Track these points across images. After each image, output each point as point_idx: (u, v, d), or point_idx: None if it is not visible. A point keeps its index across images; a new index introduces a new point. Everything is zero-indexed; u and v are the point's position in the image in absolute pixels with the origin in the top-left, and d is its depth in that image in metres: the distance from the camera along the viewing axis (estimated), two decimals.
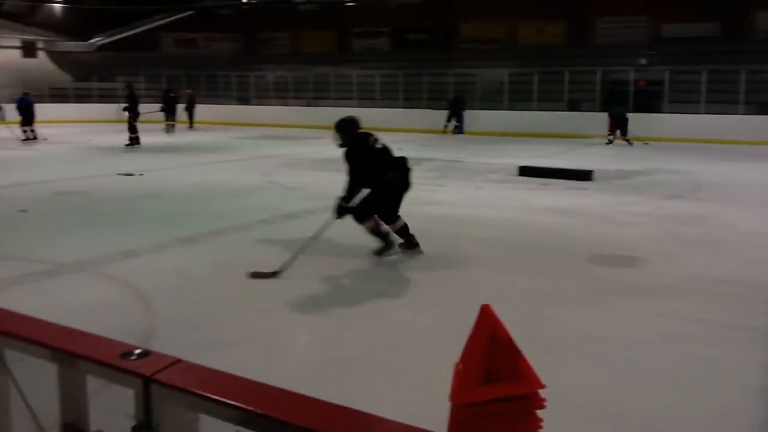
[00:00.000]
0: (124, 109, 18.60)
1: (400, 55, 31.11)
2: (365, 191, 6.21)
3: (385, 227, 6.36)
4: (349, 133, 6.31)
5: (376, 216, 6.29)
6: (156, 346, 1.46)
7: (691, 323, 4.69)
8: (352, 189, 6.11)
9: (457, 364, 0.92)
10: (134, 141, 18.21)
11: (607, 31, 28.08)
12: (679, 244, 7.04)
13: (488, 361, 0.88)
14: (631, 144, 19.34)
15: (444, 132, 23.59)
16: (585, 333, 4.50)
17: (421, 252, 6.41)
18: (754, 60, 21.58)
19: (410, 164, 6.42)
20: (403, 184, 6.31)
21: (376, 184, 6.20)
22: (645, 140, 19.68)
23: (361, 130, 6.40)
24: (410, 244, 6.43)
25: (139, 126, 18.22)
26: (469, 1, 29.78)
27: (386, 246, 6.33)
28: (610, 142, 19.81)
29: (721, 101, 21.16)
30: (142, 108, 18.81)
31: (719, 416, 3.40)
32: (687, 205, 9.47)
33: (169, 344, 3.58)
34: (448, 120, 23.67)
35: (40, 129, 19.23)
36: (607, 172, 12.67)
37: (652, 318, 4.79)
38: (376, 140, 6.31)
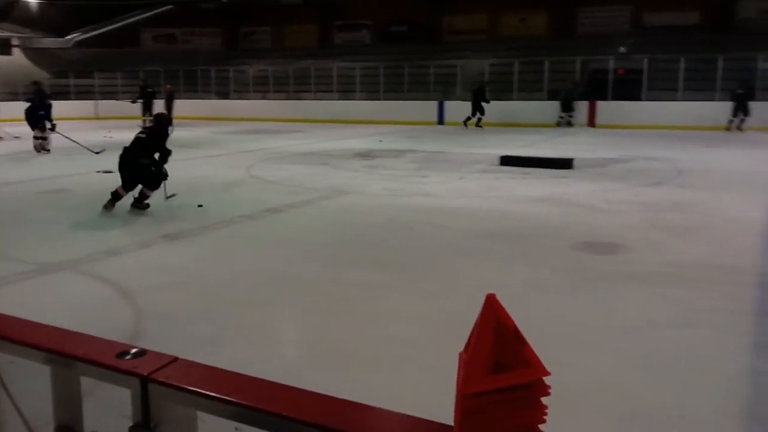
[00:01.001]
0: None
1: (382, 48, 31.08)
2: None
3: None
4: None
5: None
6: (144, 344, 1.45)
7: (675, 308, 4.74)
8: None
9: (462, 354, 0.92)
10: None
11: (589, 21, 28.26)
12: (660, 231, 7.10)
13: (495, 350, 0.89)
14: (570, 125, 22.10)
15: (478, 126, 22.27)
16: (570, 320, 4.53)
17: (107, 215, 7.91)
18: (733, 48, 21.81)
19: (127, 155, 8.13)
20: (122, 165, 8.21)
21: None
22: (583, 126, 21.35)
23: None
24: (110, 202, 8.08)
25: (116, 123, 17.72)
26: None
27: (106, 204, 8.07)
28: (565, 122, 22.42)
29: (699, 89, 21.37)
30: (118, 104, 17.99)
31: (706, 399, 3.44)
32: (667, 192, 9.56)
33: (157, 342, 3.55)
34: (481, 113, 22.42)
35: (7, 128, 18.82)
36: (587, 161, 12.76)
37: (637, 304, 4.84)
38: (138, 134, 8.43)
